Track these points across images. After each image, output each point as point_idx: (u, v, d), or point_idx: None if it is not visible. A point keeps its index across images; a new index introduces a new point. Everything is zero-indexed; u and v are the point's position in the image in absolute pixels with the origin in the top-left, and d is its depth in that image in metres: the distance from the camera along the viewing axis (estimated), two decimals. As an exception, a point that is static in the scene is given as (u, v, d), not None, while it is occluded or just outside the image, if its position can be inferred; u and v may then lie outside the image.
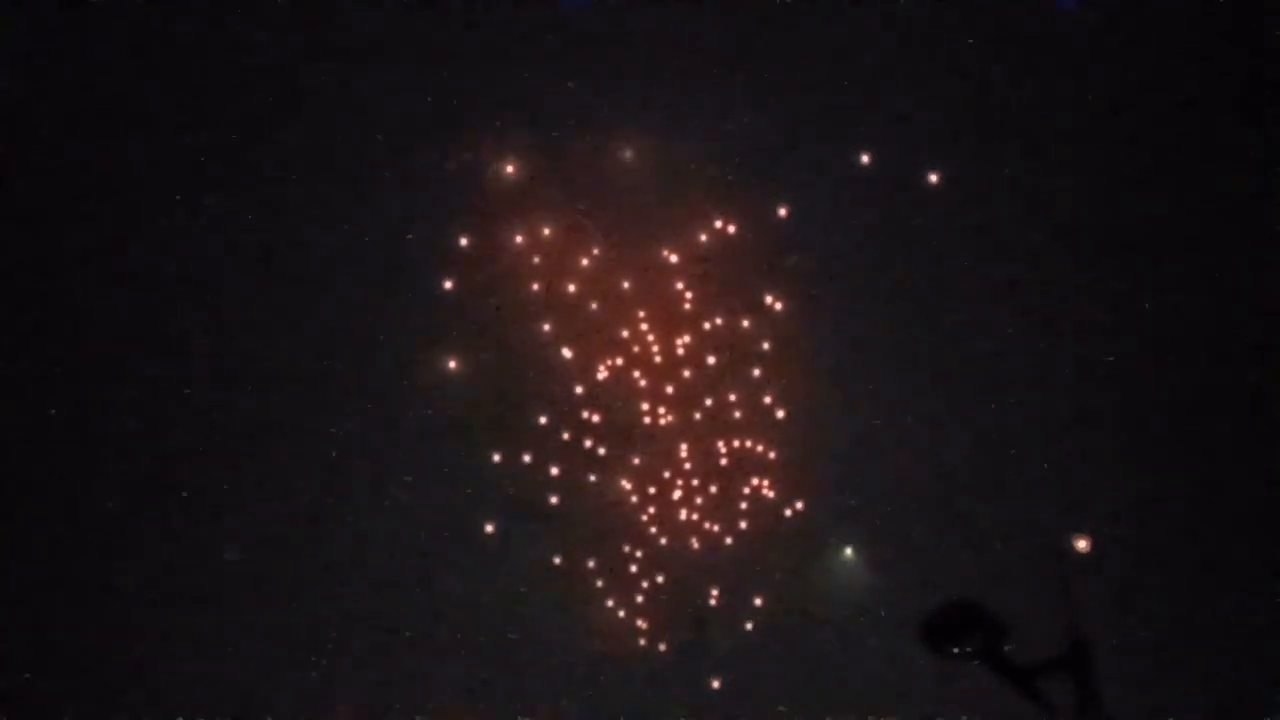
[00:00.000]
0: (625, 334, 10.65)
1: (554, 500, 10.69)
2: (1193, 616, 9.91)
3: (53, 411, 10.70)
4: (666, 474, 10.68)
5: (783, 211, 10.53)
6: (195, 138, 10.68)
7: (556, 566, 10.68)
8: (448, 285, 10.69)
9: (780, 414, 10.58)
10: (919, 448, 10.44)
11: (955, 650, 5.93)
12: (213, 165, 10.72)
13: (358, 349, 10.79)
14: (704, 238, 10.59)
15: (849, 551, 10.39)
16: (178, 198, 10.72)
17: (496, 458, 10.69)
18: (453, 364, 10.75)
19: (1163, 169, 10.35)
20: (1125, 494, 10.14)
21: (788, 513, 10.54)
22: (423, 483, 10.76)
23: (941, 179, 10.35)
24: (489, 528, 10.71)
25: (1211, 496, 10.16)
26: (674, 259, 10.62)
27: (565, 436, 10.67)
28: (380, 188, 10.76)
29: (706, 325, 10.66)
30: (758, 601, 10.54)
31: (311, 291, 10.80)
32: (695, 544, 10.64)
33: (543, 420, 10.70)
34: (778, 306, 10.58)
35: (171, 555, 10.61)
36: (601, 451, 10.70)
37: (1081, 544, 9.46)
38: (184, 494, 10.70)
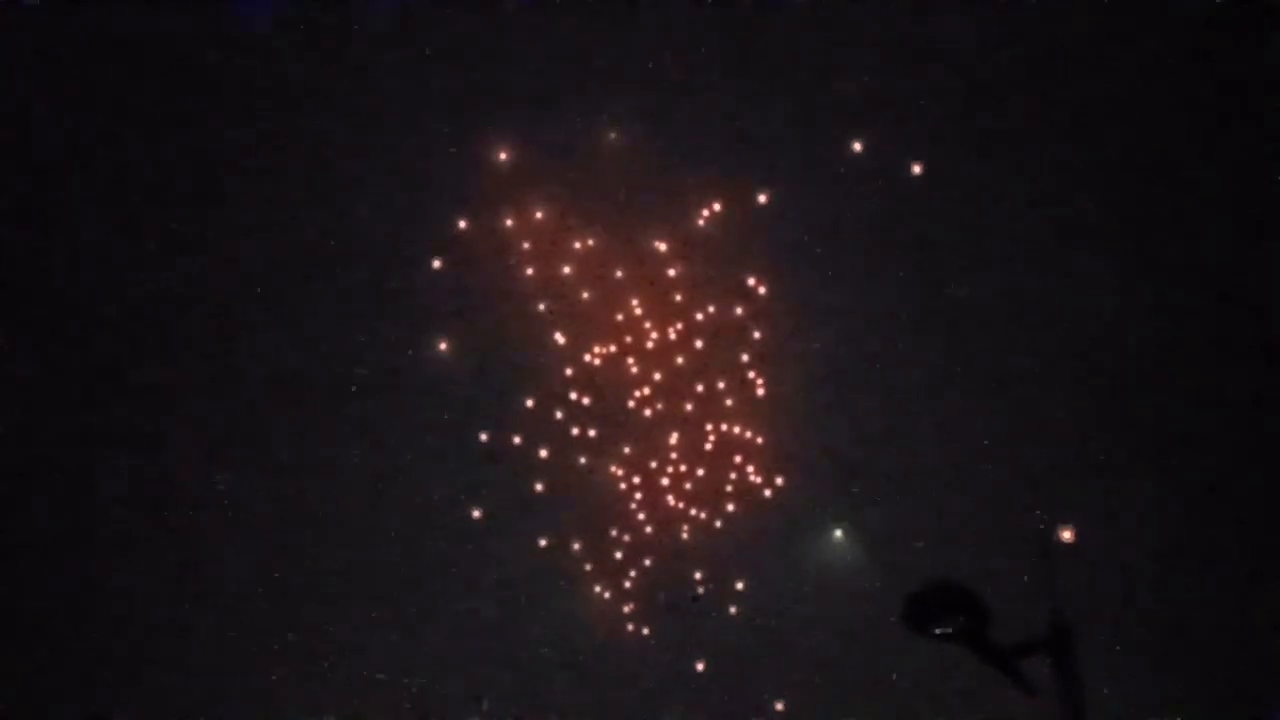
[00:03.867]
0: (619, 318, 10.67)
1: (541, 484, 10.71)
2: (1177, 607, 9.98)
3: (52, 411, 10.70)
4: (654, 461, 10.70)
5: (773, 199, 10.54)
6: (188, 136, 10.69)
7: (543, 549, 10.70)
8: (436, 264, 10.70)
9: (769, 400, 10.62)
10: (906, 434, 10.50)
11: (938, 631, 5.95)
12: (209, 159, 10.73)
13: (347, 333, 10.79)
14: (699, 224, 10.61)
15: (836, 534, 10.43)
16: (173, 195, 10.74)
17: (483, 436, 10.72)
18: (443, 345, 10.76)
19: (1161, 166, 10.39)
20: (1110, 481, 10.21)
21: (774, 497, 10.57)
22: (412, 464, 10.76)
23: (929, 170, 10.38)
24: (476, 513, 10.71)
25: (1201, 494, 10.21)
26: (665, 246, 10.64)
27: (558, 416, 10.69)
28: (372, 172, 10.76)
29: (699, 315, 10.68)
30: (740, 585, 10.57)
31: (301, 276, 10.80)
32: (683, 528, 10.67)
33: (530, 403, 10.72)
34: (768, 293, 10.60)
35: (164, 539, 10.64)
36: (592, 434, 10.72)
37: (1066, 534, 9.52)
38: (179, 478, 10.70)
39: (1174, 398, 10.35)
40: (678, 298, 10.66)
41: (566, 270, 10.67)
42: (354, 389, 10.75)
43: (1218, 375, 10.28)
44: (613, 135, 10.59)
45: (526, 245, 10.69)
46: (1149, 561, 10.06)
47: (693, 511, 10.66)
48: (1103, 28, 10.30)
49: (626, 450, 10.70)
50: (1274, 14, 10.17)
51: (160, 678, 10.52)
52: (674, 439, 10.68)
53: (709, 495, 10.63)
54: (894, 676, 10.02)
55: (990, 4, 10.28)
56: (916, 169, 10.33)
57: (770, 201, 10.54)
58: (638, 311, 10.67)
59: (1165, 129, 10.36)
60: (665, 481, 10.68)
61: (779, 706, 10.35)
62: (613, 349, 10.68)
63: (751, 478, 10.60)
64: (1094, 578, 9.49)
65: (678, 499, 10.69)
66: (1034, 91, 10.41)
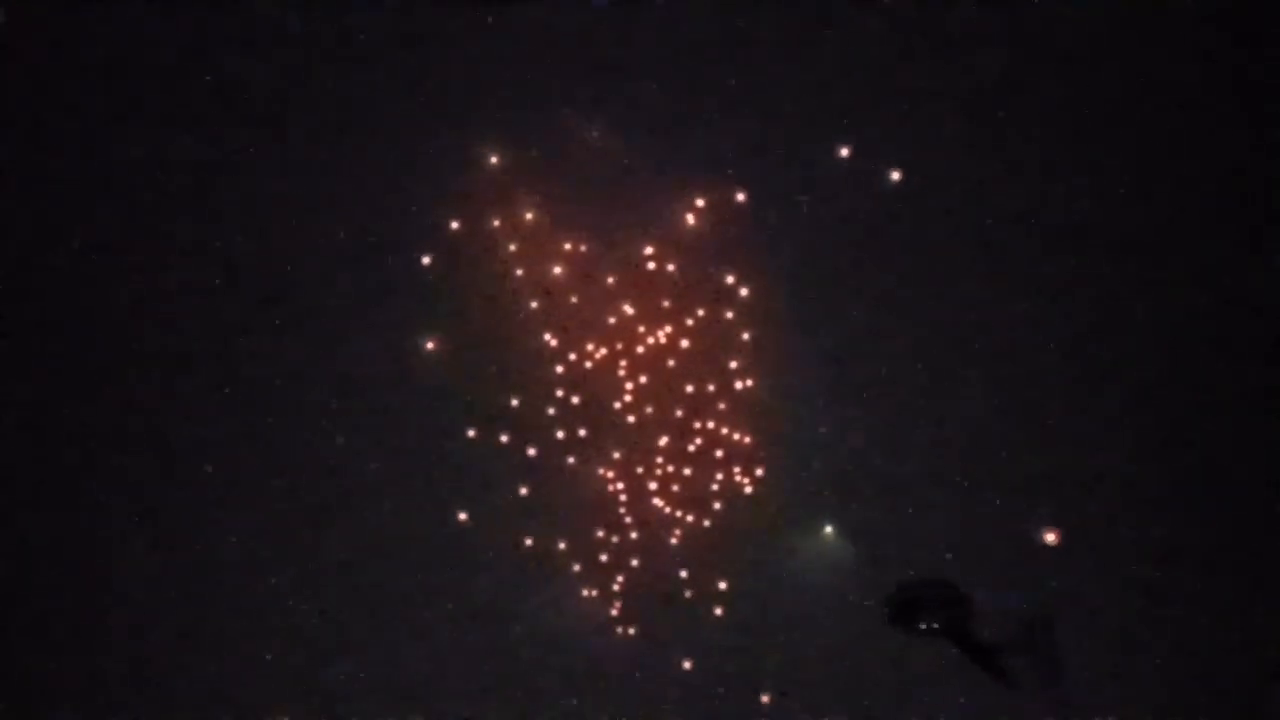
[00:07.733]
0: (611, 321, 10.67)
1: (527, 484, 10.69)
2: (1171, 608, 9.99)
3: (50, 411, 10.67)
4: (642, 464, 10.70)
5: (762, 200, 10.59)
6: (178, 136, 10.71)
7: (529, 549, 10.69)
8: (426, 261, 10.72)
9: (758, 402, 10.64)
10: (896, 433, 10.51)
11: (922, 626, 5.97)
12: (199, 157, 10.74)
13: (334, 331, 10.79)
14: (689, 225, 10.64)
15: (826, 531, 10.42)
16: (170, 195, 10.74)
17: (471, 433, 10.71)
18: (431, 344, 10.76)
19: (1160, 166, 10.42)
20: (1104, 481, 10.23)
21: (762, 497, 10.58)
22: (398, 463, 10.75)
23: (921, 170, 10.43)
24: (462, 515, 10.69)
25: (1198, 494, 10.22)
26: (655, 248, 10.66)
27: (549, 412, 10.68)
28: (361, 170, 10.79)
29: (689, 318, 10.69)
30: (722, 585, 10.56)
31: (288, 273, 10.80)
32: (670, 528, 10.66)
33: (515, 402, 10.71)
34: (759, 295, 10.63)
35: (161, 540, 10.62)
36: (581, 433, 10.71)
37: (1050, 537, 9.57)
38: (171, 480, 10.70)
39: (1172, 398, 10.37)
40: (666, 302, 10.68)
41: (557, 270, 10.68)
42: (341, 386, 10.74)
43: (1217, 376, 10.30)
44: (604, 136, 10.62)
45: (513, 247, 10.71)
46: (1142, 562, 10.06)
47: (679, 514, 10.66)
48: (1101, 25, 10.35)
49: (616, 455, 10.70)
50: (1274, 14, 10.20)
51: (153, 678, 10.48)
52: (663, 441, 10.69)
53: (697, 496, 10.63)
54: (881, 672, 9.99)
55: (986, 3, 10.34)
56: (895, 175, 10.39)
57: (760, 203, 10.58)
58: (629, 312, 10.69)
59: (1165, 129, 10.40)
60: (653, 485, 10.67)
61: (764, 699, 10.33)
62: (603, 351, 10.69)
63: (739, 478, 10.61)
64: (1086, 577, 9.51)
65: (665, 500, 10.68)
66: (1029, 90, 10.47)
